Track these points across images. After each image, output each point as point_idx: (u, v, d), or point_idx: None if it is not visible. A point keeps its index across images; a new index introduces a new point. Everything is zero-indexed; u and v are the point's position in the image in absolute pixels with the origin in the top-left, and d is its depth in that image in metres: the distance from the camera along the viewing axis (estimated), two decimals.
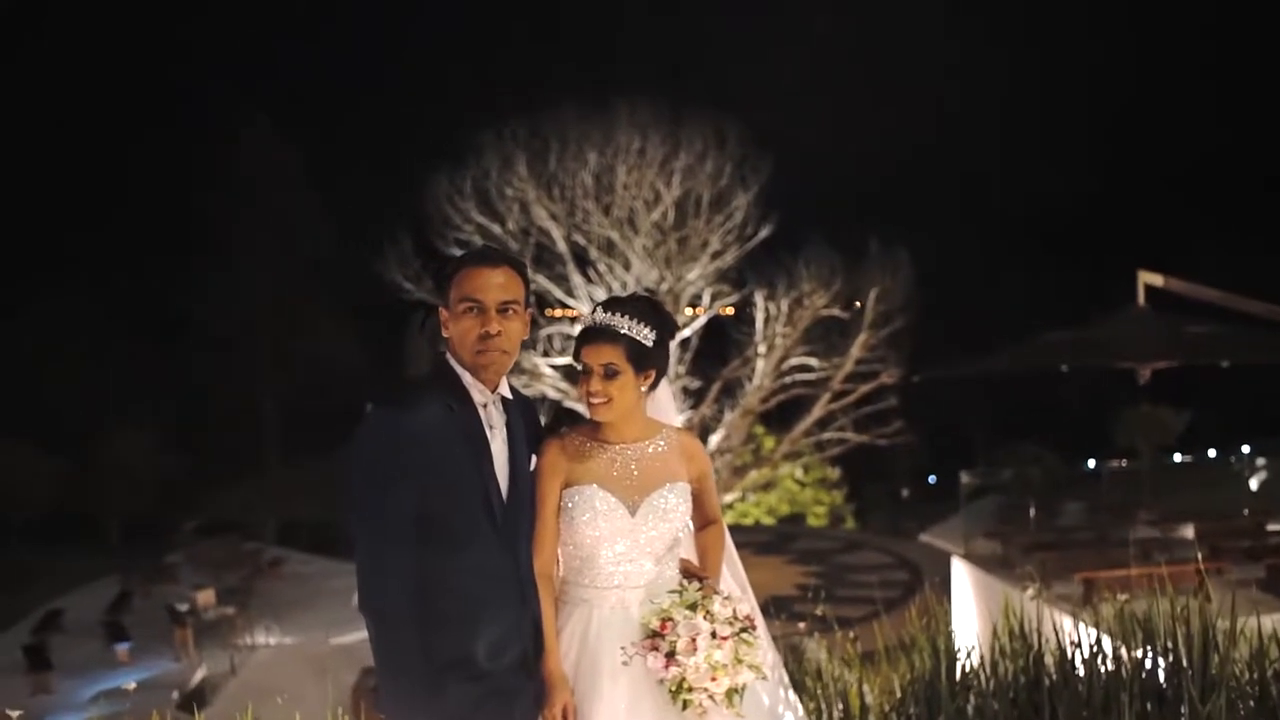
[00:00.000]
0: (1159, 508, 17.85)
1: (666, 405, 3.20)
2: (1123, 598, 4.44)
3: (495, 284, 2.80)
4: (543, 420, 3.13)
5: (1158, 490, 19.52)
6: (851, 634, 5.39)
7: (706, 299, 22.97)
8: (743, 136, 22.57)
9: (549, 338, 22.22)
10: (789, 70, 37.63)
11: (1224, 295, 18.45)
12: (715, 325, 23.35)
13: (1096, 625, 4.42)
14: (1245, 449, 23.51)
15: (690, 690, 2.80)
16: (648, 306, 3.01)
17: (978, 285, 33.96)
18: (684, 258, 22.37)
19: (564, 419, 3.12)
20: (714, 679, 2.80)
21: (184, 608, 18.76)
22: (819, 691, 4.53)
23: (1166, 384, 19.87)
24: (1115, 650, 4.17)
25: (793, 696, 3.20)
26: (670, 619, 2.84)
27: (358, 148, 35.03)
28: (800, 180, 25.74)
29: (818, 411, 22.99)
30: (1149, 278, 18.43)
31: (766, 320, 22.59)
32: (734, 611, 2.88)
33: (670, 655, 2.80)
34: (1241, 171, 37.25)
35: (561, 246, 22.36)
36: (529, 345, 19.71)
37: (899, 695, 4.39)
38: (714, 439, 22.66)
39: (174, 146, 34.31)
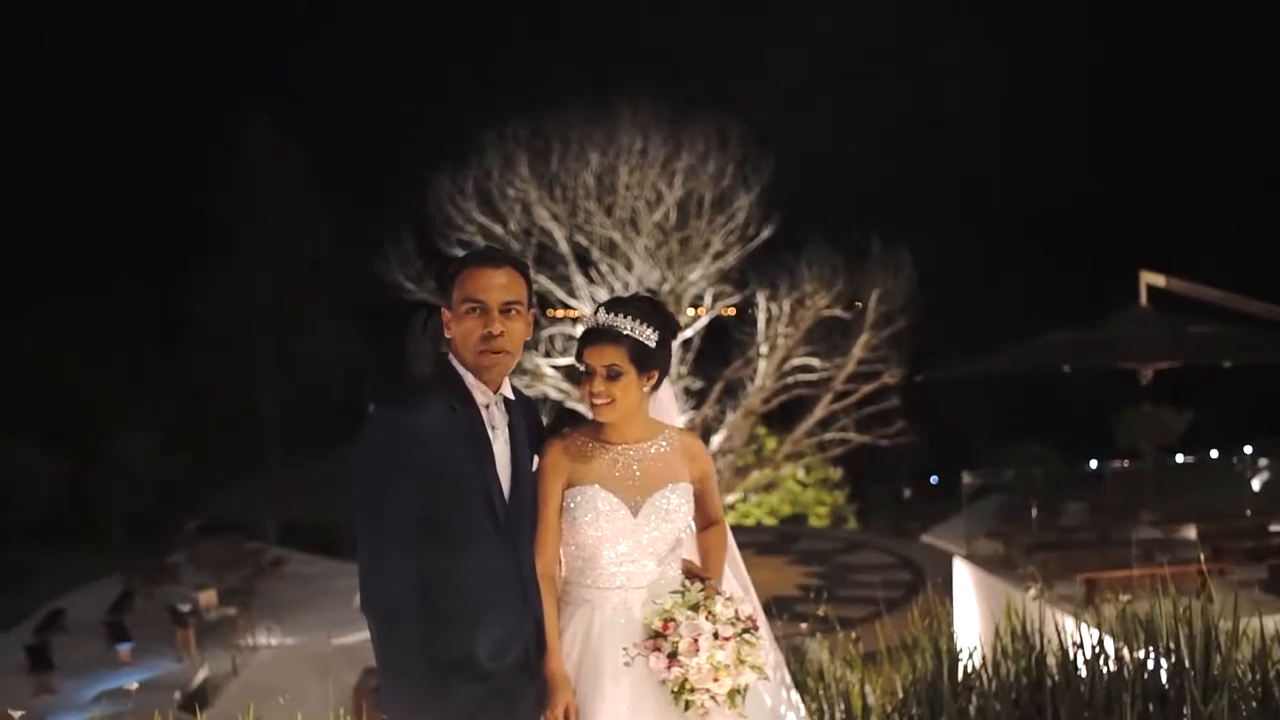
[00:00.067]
0: (1161, 508, 17.80)
1: (668, 406, 3.20)
2: (1125, 598, 4.45)
3: (498, 284, 2.81)
4: (545, 421, 3.13)
5: (1160, 491, 19.46)
6: (853, 634, 5.40)
7: (708, 299, 22.95)
8: (744, 137, 22.54)
9: (551, 338, 22.20)
10: (789, 70, 37.68)
11: (1226, 295, 18.47)
12: (717, 326, 23.32)
13: (1099, 626, 4.42)
14: (1247, 449, 23.41)
15: (692, 691, 2.80)
16: (650, 307, 3.00)
17: (979, 285, 33.93)
18: (686, 258, 22.35)
19: (566, 419, 3.12)
20: (716, 680, 2.80)
21: (186, 608, 18.76)
22: (821, 692, 4.53)
23: (1169, 384, 19.84)
24: (1117, 651, 4.17)
25: (795, 697, 3.21)
26: (672, 619, 2.84)
27: (358, 148, 35.01)
28: (801, 180, 25.71)
29: (819, 412, 22.96)
30: (1151, 278, 18.44)
31: (768, 321, 22.57)
32: (736, 612, 2.88)
33: (672, 656, 2.80)
34: (1242, 171, 37.23)
35: (563, 247, 22.34)
36: (531, 346, 19.66)
37: (901, 696, 4.39)
38: (716, 439, 22.65)
39: (174, 146, 34.35)
